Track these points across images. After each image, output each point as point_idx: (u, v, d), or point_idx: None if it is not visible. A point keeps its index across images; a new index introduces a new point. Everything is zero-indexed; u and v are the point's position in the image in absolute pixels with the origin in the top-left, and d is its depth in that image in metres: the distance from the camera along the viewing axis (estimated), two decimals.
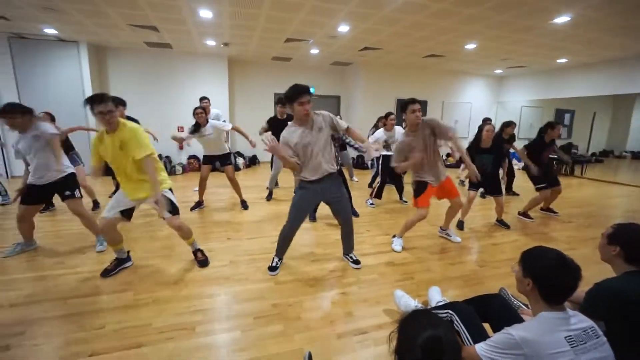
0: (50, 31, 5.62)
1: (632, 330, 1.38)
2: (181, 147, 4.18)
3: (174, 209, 2.50)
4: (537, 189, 4.24)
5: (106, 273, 2.51)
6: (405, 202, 4.89)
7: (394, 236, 3.27)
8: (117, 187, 3.27)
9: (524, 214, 4.33)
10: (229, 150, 4.40)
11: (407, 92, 8.51)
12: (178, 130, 7.43)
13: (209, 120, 4.09)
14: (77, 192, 2.93)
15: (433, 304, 1.98)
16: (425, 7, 4.14)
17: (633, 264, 1.47)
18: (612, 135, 11.89)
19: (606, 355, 1.11)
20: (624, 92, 6.83)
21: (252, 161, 8.41)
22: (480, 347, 1.25)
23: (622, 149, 11.72)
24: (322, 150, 2.38)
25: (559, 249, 3.01)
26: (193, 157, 7.54)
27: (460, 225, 3.80)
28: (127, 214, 2.51)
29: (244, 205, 4.46)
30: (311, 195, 2.49)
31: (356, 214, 4.15)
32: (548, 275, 1.18)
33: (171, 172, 7.08)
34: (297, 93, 2.24)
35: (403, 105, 2.94)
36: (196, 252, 2.79)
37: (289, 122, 2.47)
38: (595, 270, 1.63)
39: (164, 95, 7.28)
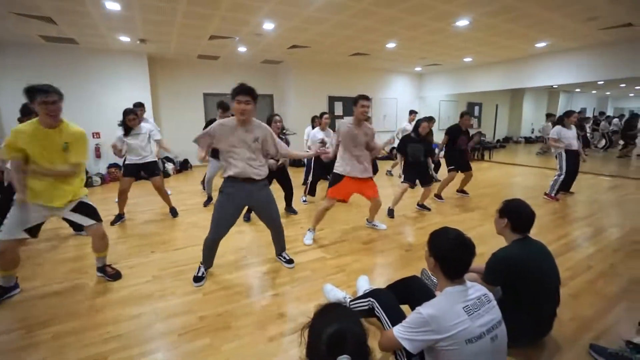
0: None
1: (523, 289, 1.61)
2: (121, 156, 3.81)
3: (96, 217, 2.39)
4: (449, 170, 4.79)
5: None
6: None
7: (308, 229, 3.31)
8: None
9: (438, 195, 4.87)
10: (155, 158, 4.01)
11: (337, 89, 8.76)
12: (93, 137, 6.61)
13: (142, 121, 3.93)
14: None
15: (360, 293, 2.06)
16: (347, 7, 4.28)
17: (517, 231, 1.73)
18: (511, 124, 14.01)
19: (495, 317, 1.27)
20: (515, 86, 8.12)
21: (184, 165, 7.87)
22: (396, 330, 1.32)
23: (518, 135, 13.86)
24: (248, 156, 2.32)
25: (471, 226, 3.40)
26: (114, 165, 6.76)
27: (390, 214, 4.04)
28: (34, 230, 2.22)
29: (174, 212, 4.17)
30: (233, 201, 2.36)
31: (294, 212, 4.19)
32: (447, 253, 1.30)
33: (87, 184, 6.25)
34: (238, 91, 2.22)
35: (355, 99, 3.04)
36: (104, 267, 2.55)
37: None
38: (498, 241, 1.87)
39: (72, 97, 6.20)
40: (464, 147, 4.77)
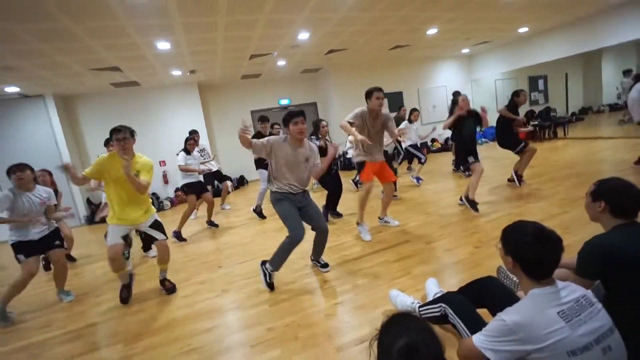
0: (12, 89, 5.54)
1: (629, 285, 1.31)
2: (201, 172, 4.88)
3: (165, 233, 2.81)
4: (522, 150, 4.31)
5: (125, 300, 2.72)
6: (396, 196, 4.80)
7: (357, 224, 3.44)
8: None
9: (519, 176, 4.36)
10: (200, 179, 4.70)
11: (379, 85, 8.52)
12: (160, 165, 7.35)
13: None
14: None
15: (430, 297, 1.91)
16: (378, 1, 4.15)
17: (620, 216, 1.42)
18: (587, 93, 12.02)
19: (603, 323, 1.05)
20: (590, 49, 6.90)
21: (240, 182, 8.33)
22: (477, 338, 1.18)
23: (599, 103, 11.86)
24: (301, 172, 2.52)
25: (552, 214, 2.96)
26: (179, 189, 7.42)
27: (473, 205, 3.61)
28: (126, 240, 2.85)
29: (211, 224, 4.71)
30: (289, 202, 2.55)
31: (339, 215, 4.23)
32: (526, 251, 1.12)
33: (160, 208, 6.96)
34: (290, 116, 2.45)
35: (368, 92, 3.19)
36: (164, 280, 2.88)
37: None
38: (591, 229, 1.57)
39: (139, 132, 7.10)
40: (516, 130, 4.41)
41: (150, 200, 2.86)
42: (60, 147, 6.37)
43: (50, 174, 3.97)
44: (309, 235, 3.56)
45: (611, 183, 1.46)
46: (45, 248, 2.92)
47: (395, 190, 4.72)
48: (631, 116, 4.75)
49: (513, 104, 4.31)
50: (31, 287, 3.29)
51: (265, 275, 2.57)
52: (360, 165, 3.39)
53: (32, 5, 2.93)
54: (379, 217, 3.71)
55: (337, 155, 4.16)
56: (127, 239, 2.89)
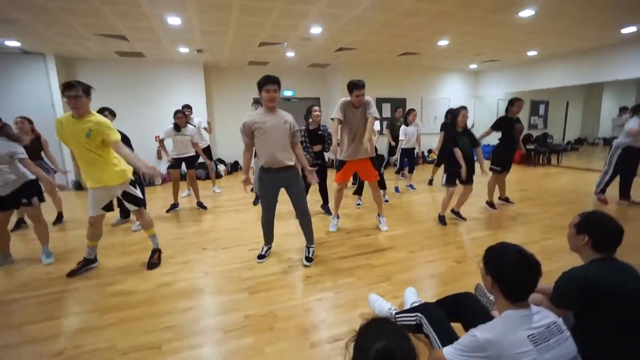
0: (13, 43, 5.39)
1: (610, 317, 1.37)
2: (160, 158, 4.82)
3: (139, 201, 2.78)
4: (491, 169, 4.42)
5: (73, 273, 2.67)
6: (387, 201, 4.86)
7: (332, 217, 3.73)
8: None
9: (490, 203, 4.44)
10: (193, 153, 4.73)
11: (385, 90, 8.56)
12: (156, 140, 7.25)
13: (189, 124, 4.63)
14: (35, 200, 2.98)
15: (408, 306, 1.95)
16: (395, 6, 4.15)
17: (600, 251, 1.47)
18: (585, 123, 12.22)
19: (569, 351, 1.10)
20: (593, 81, 7.04)
21: (234, 167, 8.28)
22: (447, 351, 1.22)
23: (595, 136, 12.07)
24: (278, 139, 2.58)
25: (534, 239, 3.02)
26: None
27: (441, 220, 3.81)
28: (107, 207, 2.77)
29: (201, 205, 4.76)
30: (270, 181, 2.70)
31: (329, 211, 4.27)
32: (506, 272, 1.16)
33: (150, 183, 6.89)
34: (265, 81, 2.51)
35: (349, 86, 3.21)
36: (155, 251, 2.93)
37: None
38: (570, 259, 1.62)
39: (139, 104, 7.09)
40: (518, 137, 4.40)
41: (120, 167, 2.62)
42: (56, 109, 6.25)
43: (30, 121, 3.85)
44: (293, 228, 3.61)
45: (595, 217, 1.49)
46: (12, 205, 2.90)
47: (385, 194, 4.79)
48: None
49: (507, 117, 4.32)
50: (19, 243, 3.28)
51: (262, 248, 2.96)
52: (341, 164, 3.46)
53: None
54: (377, 214, 3.78)
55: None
56: (111, 207, 2.85)
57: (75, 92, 2.31)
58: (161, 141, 4.65)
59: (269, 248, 3.00)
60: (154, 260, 2.86)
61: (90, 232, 2.73)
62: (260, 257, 2.90)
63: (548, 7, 4.27)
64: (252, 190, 5.06)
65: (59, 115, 6.04)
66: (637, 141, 4.27)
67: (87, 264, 2.77)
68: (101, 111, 3.40)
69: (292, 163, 2.68)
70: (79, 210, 4.91)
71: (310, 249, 2.88)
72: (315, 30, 5.09)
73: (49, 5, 3.84)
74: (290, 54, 6.74)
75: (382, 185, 4.73)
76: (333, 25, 4.92)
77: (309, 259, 2.82)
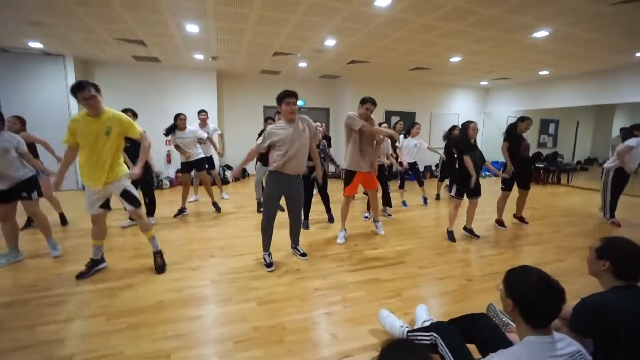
0: (36, 45, 5.54)
1: (621, 349, 1.33)
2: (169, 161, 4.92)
3: (137, 202, 2.75)
4: (502, 189, 4.36)
5: (82, 276, 2.65)
6: (390, 215, 4.82)
7: (340, 230, 3.73)
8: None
9: (499, 221, 4.37)
10: (202, 156, 4.79)
11: (395, 103, 8.61)
12: (166, 144, 7.33)
13: (188, 127, 4.66)
14: (34, 194, 3.04)
15: (419, 324, 1.92)
16: (409, 22, 4.21)
17: (621, 278, 1.44)
18: (596, 144, 12.13)
19: None
20: (605, 102, 7.03)
21: (242, 173, 8.32)
22: None
23: (606, 156, 11.92)
24: (297, 155, 2.78)
25: (547, 260, 2.97)
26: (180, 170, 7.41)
27: (471, 232, 3.90)
28: (104, 205, 2.76)
29: (216, 206, 4.89)
30: (277, 185, 2.85)
31: (331, 220, 4.41)
32: (528, 297, 1.14)
33: (158, 186, 6.95)
34: (284, 95, 2.70)
35: (361, 101, 3.40)
36: (156, 254, 2.89)
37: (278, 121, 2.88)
38: (584, 282, 1.59)
39: (152, 109, 7.19)
40: (525, 154, 4.31)
41: (124, 167, 2.72)
42: (71, 109, 6.36)
43: (22, 122, 3.85)
44: (302, 240, 3.59)
45: (618, 243, 1.46)
46: (12, 198, 2.96)
47: (390, 207, 4.77)
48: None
49: (514, 131, 4.27)
50: (29, 242, 3.31)
51: (264, 259, 2.99)
52: (350, 176, 3.55)
53: None
54: (373, 220, 4.01)
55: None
56: (108, 206, 2.82)
57: (89, 92, 2.37)
58: (176, 146, 4.64)
59: (270, 253, 3.02)
60: (159, 264, 2.85)
61: (94, 231, 2.74)
62: (269, 265, 2.92)
63: (563, 29, 4.30)
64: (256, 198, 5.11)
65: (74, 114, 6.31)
66: (625, 163, 4.34)
67: (94, 265, 2.77)
68: (124, 112, 3.47)
69: (302, 173, 2.94)
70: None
71: (299, 248, 3.21)
72: (330, 42, 5.16)
73: (76, 10, 3.95)
74: (302, 64, 6.83)
75: (387, 201, 4.72)
76: (347, 39, 4.99)
77: (304, 254, 3.15)
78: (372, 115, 3.45)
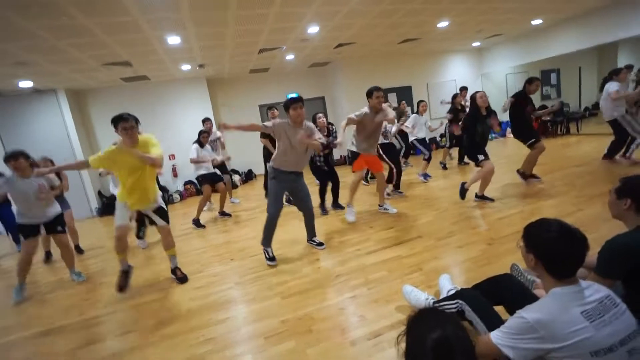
0: (26, 84, 5.61)
1: None
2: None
3: (166, 219, 2.88)
4: (530, 146, 4.16)
5: (122, 288, 2.72)
6: (401, 192, 4.77)
7: (347, 205, 3.81)
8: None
9: (531, 175, 4.25)
10: (214, 171, 4.83)
11: (389, 80, 8.44)
12: (169, 159, 7.41)
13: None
14: (66, 228, 3.32)
15: (444, 294, 1.91)
16: None
17: None
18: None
19: (628, 324, 1.04)
20: (605, 41, 6.71)
21: (249, 176, 8.37)
22: (495, 335, 1.18)
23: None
24: (299, 156, 2.96)
25: (567, 212, 2.92)
26: (189, 182, 7.49)
27: (484, 198, 3.84)
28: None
29: (223, 214, 4.94)
30: (280, 181, 2.97)
31: (340, 206, 4.34)
32: (550, 249, 1.12)
33: (169, 201, 7.04)
34: (290, 102, 2.87)
35: (369, 92, 3.54)
36: (175, 269, 2.94)
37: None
38: (608, 228, 1.55)
39: (149, 126, 7.15)
40: (529, 116, 4.29)
41: (159, 192, 2.92)
42: (72, 140, 6.46)
43: (52, 162, 4.01)
44: (318, 230, 3.60)
45: (637, 179, 1.43)
46: (46, 232, 3.20)
47: (399, 186, 4.72)
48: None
49: (524, 93, 4.16)
50: (50, 273, 3.42)
51: (264, 253, 3.04)
52: (354, 156, 3.74)
53: (47, 2, 2.94)
54: (378, 205, 4.04)
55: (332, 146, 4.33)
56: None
57: (130, 124, 2.49)
58: (196, 161, 4.64)
59: (271, 249, 3.08)
60: (180, 276, 2.91)
61: (117, 245, 2.76)
62: (272, 259, 2.98)
63: None
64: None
65: (75, 145, 6.44)
66: (621, 103, 4.29)
67: (127, 275, 2.80)
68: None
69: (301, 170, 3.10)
70: (103, 237, 5.05)
71: (315, 239, 3.25)
72: (313, 29, 5.07)
73: (58, 45, 3.98)
74: (289, 56, 6.75)
75: (397, 184, 4.68)
76: (329, 23, 4.90)
77: (320, 244, 3.19)
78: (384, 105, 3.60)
